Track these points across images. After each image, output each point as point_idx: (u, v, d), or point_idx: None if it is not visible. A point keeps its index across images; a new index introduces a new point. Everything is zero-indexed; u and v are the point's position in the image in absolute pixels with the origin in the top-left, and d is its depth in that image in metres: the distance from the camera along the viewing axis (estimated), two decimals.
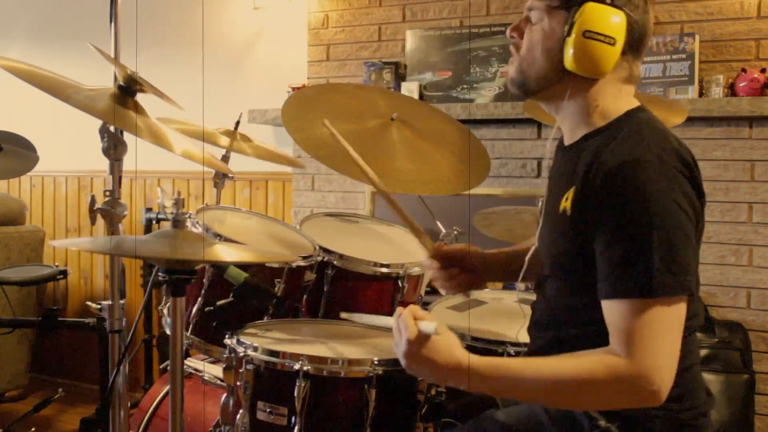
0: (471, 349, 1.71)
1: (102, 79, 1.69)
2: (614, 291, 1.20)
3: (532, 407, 1.42)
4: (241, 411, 1.55)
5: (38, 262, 3.73)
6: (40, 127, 3.86)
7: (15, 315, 3.35)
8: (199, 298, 1.89)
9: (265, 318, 1.84)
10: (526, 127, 2.99)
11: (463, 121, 2.80)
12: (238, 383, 1.55)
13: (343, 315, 1.66)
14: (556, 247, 1.35)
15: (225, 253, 1.59)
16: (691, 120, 2.60)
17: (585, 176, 1.26)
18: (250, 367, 1.54)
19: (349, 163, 2.00)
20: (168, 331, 1.76)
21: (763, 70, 2.61)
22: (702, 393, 1.34)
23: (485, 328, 1.78)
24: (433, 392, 1.56)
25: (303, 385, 1.47)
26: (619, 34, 1.28)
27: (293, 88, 3.30)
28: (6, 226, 3.67)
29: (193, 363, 2.14)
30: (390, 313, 2.02)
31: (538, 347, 1.41)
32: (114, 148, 1.61)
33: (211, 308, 1.81)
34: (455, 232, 2.32)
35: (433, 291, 2.50)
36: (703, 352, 2.55)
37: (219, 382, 2.04)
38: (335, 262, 1.99)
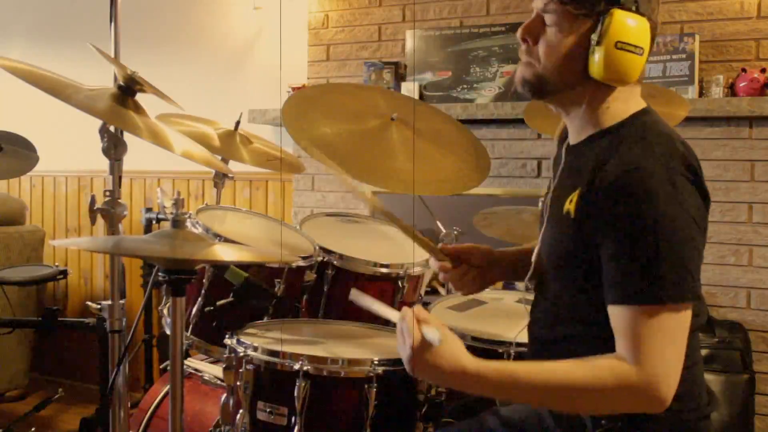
0: (471, 349, 1.72)
1: (102, 79, 1.69)
2: (623, 297, 1.20)
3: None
4: (241, 411, 1.56)
5: (38, 262, 3.73)
6: (40, 127, 3.86)
7: (15, 315, 3.35)
8: (199, 298, 1.89)
9: (265, 318, 1.85)
10: (526, 127, 2.98)
11: (463, 121, 2.81)
12: (238, 383, 1.55)
13: (354, 293, 1.64)
14: (558, 247, 1.35)
15: (225, 253, 1.59)
16: (691, 120, 2.60)
17: (590, 180, 1.26)
18: (250, 367, 1.54)
19: (349, 164, 2.00)
20: (168, 331, 1.76)
21: (763, 70, 2.61)
22: (704, 392, 1.34)
23: (485, 328, 1.78)
24: (433, 392, 1.56)
25: (303, 385, 1.47)
26: (646, 42, 1.27)
27: (293, 88, 3.30)
28: (6, 226, 3.67)
29: (193, 363, 2.14)
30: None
31: (537, 346, 1.41)
32: (114, 148, 1.61)
33: (211, 308, 1.81)
34: (455, 232, 2.32)
35: (433, 291, 2.50)
36: (703, 352, 2.55)
37: (219, 382, 2.04)
38: (335, 262, 2.00)
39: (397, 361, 1.53)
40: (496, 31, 3.06)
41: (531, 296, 1.49)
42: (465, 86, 3.11)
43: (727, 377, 2.52)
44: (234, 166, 2.31)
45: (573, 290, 1.32)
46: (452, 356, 1.23)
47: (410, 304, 1.32)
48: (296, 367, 1.48)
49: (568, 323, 1.33)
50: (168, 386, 1.63)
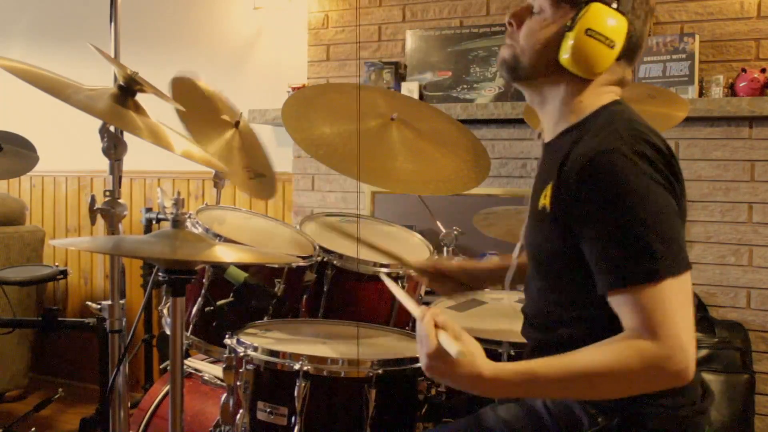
0: None
1: (102, 79, 1.69)
2: (621, 281, 1.19)
3: (531, 403, 1.42)
4: (241, 411, 1.56)
5: (38, 262, 3.73)
6: (40, 127, 3.86)
7: (15, 315, 3.35)
8: (199, 298, 1.89)
9: (265, 318, 1.85)
10: (526, 127, 2.99)
11: (463, 121, 2.81)
12: (238, 383, 1.56)
13: (384, 277, 1.68)
14: (538, 244, 1.35)
15: (225, 253, 1.59)
16: (691, 120, 2.60)
17: (560, 171, 1.27)
18: (250, 367, 1.54)
19: (349, 164, 2.00)
20: (168, 331, 1.76)
21: (763, 70, 2.61)
22: (699, 388, 1.34)
23: (485, 328, 1.78)
24: (433, 392, 1.56)
25: (303, 385, 1.47)
26: (619, 38, 1.30)
27: (293, 88, 3.30)
28: (6, 226, 3.67)
29: (193, 363, 2.14)
30: (389, 314, 2.03)
31: (531, 348, 1.42)
32: (114, 148, 1.61)
33: (211, 308, 1.81)
34: (455, 232, 2.32)
35: (433, 291, 2.50)
36: (703, 352, 2.55)
37: (219, 382, 2.04)
38: (335, 262, 2.00)
39: (397, 361, 1.53)
40: (496, 31, 3.06)
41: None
42: (465, 86, 3.11)
43: (727, 377, 2.52)
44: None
45: (558, 286, 1.33)
46: (469, 363, 1.22)
47: (432, 308, 1.30)
48: (296, 367, 1.48)
49: (556, 323, 1.33)
50: (168, 386, 1.63)
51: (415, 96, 3.09)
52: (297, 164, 3.48)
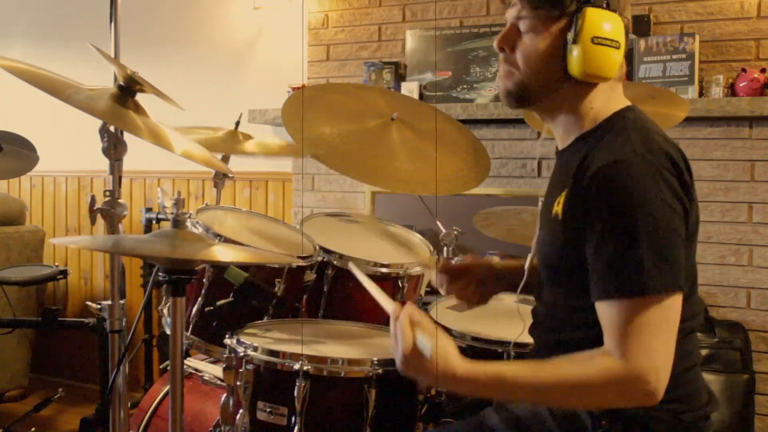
0: (471, 349, 1.72)
1: (102, 79, 1.69)
2: (605, 292, 1.21)
3: (535, 405, 1.42)
4: (241, 411, 1.56)
5: (38, 262, 3.73)
6: (40, 127, 3.86)
7: (15, 315, 3.35)
8: (199, 298, 1.89)
9: (265, 318, 1.84)
10: (526, 127, 2.99)
11: (463, 121, 2.81)
12: (238, 383, 1.55)
13: (351, 266, 1.66)
14: (550, 251, 1.36)
15: (225, 253, 1.59)
16: (691, 120, 2.60)
17: (574, 180, 1.27)
18: (250, 367, 1.54)
19: (349, 164, 2.00)
20: (168, 331, 1.76)
21: (763, 70, 2.61)
22: (704, 394, 1.34)
23: (485, 328, 1.78)
24: (433, 392, 1.56)
25: (303, 385, 1.47)
26: (621, 37, 1.30)
27: (293, 88, 3.30)
28: (6, 226, 3.67)
29: (193, 363, 2.14)
30: (389, 315, 2.03)
31: (540, 350, 1.42)
32: (114, 148, 1.61)
33: (211, 308, 1.81)
34: (455, 232, 2.32)
35: (433, 291, 2.50)
36: (703, 352, 2.55)
37: (219, 382, 2.03)
38: (335, 262, 1.99)
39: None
40: (496, 31, 3.05)
41: (531, 297, 1.50)
42: (465, 86, 3.11)
43: (727, 377, 2.52)
44: (234, 166, 2.31)
45: (568, 293, 1.33)
46: (443, 360, 1.24)
47: (407, 303, 1.32)
48: (296, 367, 1.48)
49: (567, 328, 1.33)
50: (168, 386, 1.63)
51: (415, 96, 3.09)
52: (297, 164, 3.48)
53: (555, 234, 1.32)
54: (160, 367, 3.14)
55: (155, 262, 1.46)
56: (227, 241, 1.84)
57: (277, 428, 1.51)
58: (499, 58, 1.38)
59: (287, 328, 1.79)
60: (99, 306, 1.72)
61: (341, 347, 1.68)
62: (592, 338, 1.24)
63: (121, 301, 1.71)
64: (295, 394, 1.47)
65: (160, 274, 1.44)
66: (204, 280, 1.88)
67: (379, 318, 2.00)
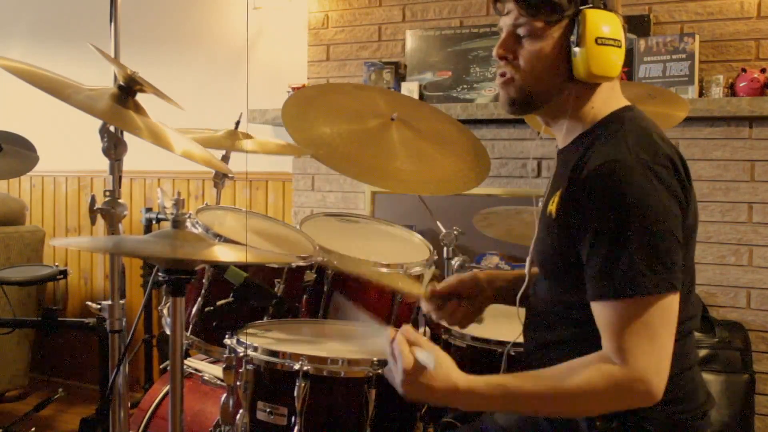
0: (470, 349, 1.72)
1: (102, 79, 1.69)
2: (599, 293, 1.21)
3: None
4: (241, 411, 1.56)
5: (38, 262, 3.73)
6: (40, 127, 3.86)
7: (15, 315, 3.35)
8: (199, 298, 1.89)
9: (265, 318, 1.84)
10: (526, 127, 2.99)
11: (463, 121, 2.81)
12: (238, 383, 1.55)
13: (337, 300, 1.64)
14: (544, 250, 1.36)
15: (225, 253, 1.59)
16: (691, 120, 2.60)
17: (569, 179, 1.27)
18: (250, 367, 1.54)
19: (349, 164, 2.00)
20: (168, 331, 1.76)
21: (763, 70, 2.61)
22: (701, 394, 1.33)
23: (485, 329, 1.78)
24: None
25: (303, 385, 1.47)
26: (621, 35, 1.30)
27: (293, 88, 3.30)
28: (6, 226, 3.67)
29: (193, 363, 2.14)
30: (389, 315, 2.03)
31: (533, 350, 1.42)
32: (114, 148, 1.61)
33: (211, 308, 1.81)
34: (455, 232, 2.32)
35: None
36: (703, 352, 2.55)
37: (219, 382, 2.03)
38: (335, 262, 1.99)
39: None
40: (495, 31, 3.04)
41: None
42: (465, 86, 3.11)
43: (727, 377, 2.52)
44: (234, 166, 2.31)
45: (562, 293, 1.33)
46: (445, 376, 1.24)
47: (402, 326, 1.31)
48: (296, 367, 1.48)
49: (560, 326, 1.33)
50: (168, 386, 1.63)
51: (415, 96, 3.08)
52: (297, 164, 3.48)
53: (549, 232, 1.32)
54: (160, 367, 3.14)
55: (155, 263, 1.46)
56: (227, 241, 1.84)
57: (277, 428, 1.51)
58: (498, 66, 1.37)
59: (287, 328, 1.79)
60: (99, 306, 1.72)
61: (341, 347, 1.68)
62: (587, 336, 1.24)
63: (121, 301, 1.71)
64: (295, 394, 1.47)
65: (160, 274, 1.44)
66: (204, 280, 1.88)
67: (379, 318, 2.00)
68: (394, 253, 2.16)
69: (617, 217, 1.18)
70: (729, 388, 2.51)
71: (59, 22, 4.20)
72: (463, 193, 2.07)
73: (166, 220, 3.17)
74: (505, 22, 1.35)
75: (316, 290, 1.99)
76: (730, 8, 2.74)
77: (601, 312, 1.21)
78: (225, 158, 2.37)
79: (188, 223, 1.57)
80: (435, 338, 1.84)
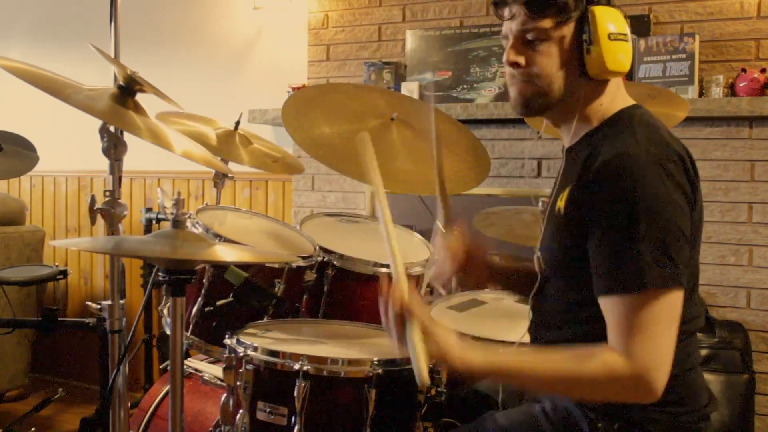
0: None
1: (102, 79, 1.69)
2: (606, 288, 1.21)
3: (530, 409, 1.42)
4: (241, 411, 1.56)
5: (38, 262, 3.73)
6: (40, 127, 3.86)
7: (15, 315, 3.34)
8: (199, 298, 1.89)
9: (265, 318, 1.84)
10: (526, 127, 2.99)
11: (463, 121, 2.80)
12: (238, 383, 1.55)
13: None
14: (553, 246, 1.36)
15: (225, 253, 1.59)
16: (691, 120, 2.60)
17: (579, 175, 1.28)
18: (250, 367, 1.54)
19: (349, 164, 2.00)
20: (168, 331, 1.76)
21: (763, 70, 2.61)
22: (704, 395, 1.33)
23: (485, 328, 1.78)
24: (433, 392, 1.56)
25: (303, 385, 1.47)
26: (627, 29, 1.32)
27: (293, 88, 3.30)
28: (6, 226, 3.67)
29: (193, 363, 2.14)
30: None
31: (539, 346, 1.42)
32: (114, 148, 1.61)
33: (211, 308, 1.81)
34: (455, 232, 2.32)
35: (432, 291, 2.50)
36: (703, 352, 2.55)
37: (219, 382, 2.03)
38: (335, 262, 2.00)
39: (397, 362, 1.53)
40: (496, 31, 3.05)
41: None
42: (465, 86, 3.11)
43: (727, 377, 2.52)
44: (234, 166, 2.31)
45: (570, 290, 1.33)
46: (451, 332, 1.26)
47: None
48: (296, 367, 1.48)
49: (570, 323, 1.33)
50: (168, 386, 1.63)
51: (415, 96, 3.08)
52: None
53: (558, 229, 1.32)
54: (160, 367, 3.14)
55: (155, 263, 1.46)
56: (227, 241, 1.84)
57: (277, 428, 1.51)
58: (509, 72, 1.36)
59: (287, 328, 1.79)
60: (99, 306, 1.72)
61: (341, 347, 1.68)
62: (596, 334, 1.24)
63: (121, 301, 1.71)
64: (295, 394, 1.47)
65: (160, 274, 1.44)
66: (204, 280, 1.88)
67: (379, 318, 2.00)
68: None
69: (626, 210, 1.19)
70: (729, 388, 2.51)
71: (59, 22, 4.20)
72: (463, 193, 2.07)
73: (166, 220, 3.17)
74: (510, 27, 1.33)
75: (316, 290, 1.99)
76: (730, 8, 2.74)
77: (607, 305, 1.22)
78: (225, 159, 2.37)
79: (188, 223, 1.57)
80: None
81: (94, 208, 1.62)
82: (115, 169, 1.64)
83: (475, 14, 3.16)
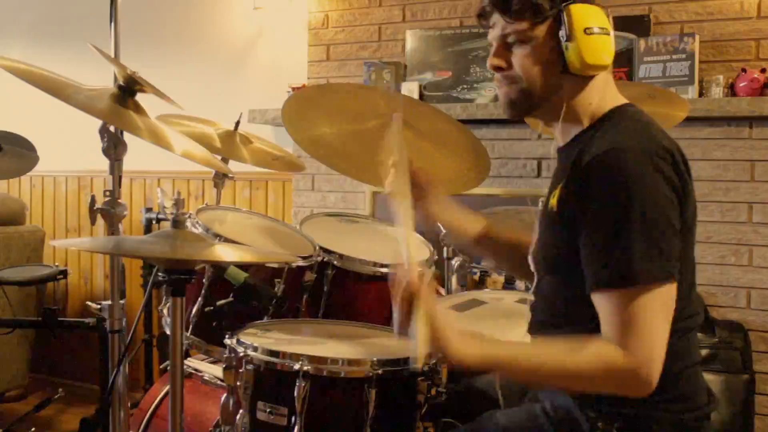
0: None
1: (102, 79, 1.69)
2: (597, 282, 1.22)
3: (531, 409, 1.42)
4: (241, 411, 1.55)
5: (38, 262, 3.73)
6: (40, 127, 3.86)
7: (15, 315, 3.35)
8: (199, 298, 1.89)
9: (265, 318, 1.84)
10: (526, 127, 2.98)
11: (463, 121, 2.80)
12: (238, 383, 1.55)
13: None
14: (546, 244, 1.37)
15: (225, 253, 1.59)
16: (691, 120, 2.60)
17: (570, 171, 1.29)
18: (250, 367, 1.54)
19: (349, 164, 2.00)
20: (168, 331, 1.76)
21: (763, 70, 2.61)
22: (703, 393, 1.33)
23: (485, 329, 1.78)
24: (433, 392, 1.56)
25: (303, 385, 1.47)
26: (608, 23, 1.33)
27: (293, 88, 3.30)
28: (6, 226, 3.67)
29: (193, 363, 2.14)
30: (389, 314, 2.03)
31: None
32: (114, 148, 1.61)
33: (211, 308, 1.81)
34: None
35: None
36: (703, 352, 2.55)
37: (219, 382, 2.03)
38: (335, 262, 1.99)
39: (398, 362, 1.53)
40: None
41: (531, 296, 1.50)
42: (465, 86, 3.11)
43: (727, 377, 2.52)
44: (234, 166, 2.31)
45: (565, 286, 1.33)
46: (453, 320, 1.28)
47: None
48: (296, 367, 1.48)
49: (566, 322, 1.34)
50: (168, 386, 1.63)
51: (415, 96, 3.08)
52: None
53: (551, 226, 1.33)
54: (160, 367, 3.14)
55: (155, 263, 1.46)
56: (227, 241, 1.84)
57: (277, 428, 1.51)
58: (496, 77, 1.40)
59: (287, 328, 1.79)
60: (99, 306, 1.72)
61: (341, 347, 1.68)
62: (591, 332, 1.24)
63: (121, 301, 1.72)
64: (295, 394, 1.47)
65: (160, 274, 1.44)
66: (204, 280, 1.88)
67: (379, 318, 2.00)
68: (394, 253, 2.15)
69: (615, 203, 1.20)
70: (729, 388, 2.51)
71: (59, 22, 4.20)
72: (463, 193, 2.07)
73: (166, 220, 3.17)
74: (493, 35, 1.38)
75: (316, 290, 1.99)
76: (730, 8, 2.74)
77: (600, 300, 1.22)
78: (225, 158, 2.37)
79: (188, 223, 1.57)
80: None
81: (94, 208, 1.62)
82: (115, 169, 1.64)
83: (475, 14, 3.15)
